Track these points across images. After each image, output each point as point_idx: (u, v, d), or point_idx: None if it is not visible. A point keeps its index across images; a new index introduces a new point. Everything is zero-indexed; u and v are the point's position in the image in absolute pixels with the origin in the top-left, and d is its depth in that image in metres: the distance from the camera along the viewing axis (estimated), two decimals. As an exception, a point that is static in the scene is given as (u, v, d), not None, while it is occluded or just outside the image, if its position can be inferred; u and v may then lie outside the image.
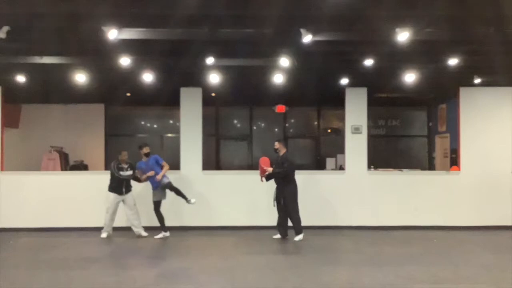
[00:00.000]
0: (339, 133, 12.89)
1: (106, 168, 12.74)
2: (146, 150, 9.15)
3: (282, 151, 8.91)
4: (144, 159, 9.19)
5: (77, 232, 9.51)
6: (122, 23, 6.67)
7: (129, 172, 9.07)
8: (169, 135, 13.56)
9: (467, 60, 8.51)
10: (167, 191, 9.08)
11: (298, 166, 13.02)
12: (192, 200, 8.95)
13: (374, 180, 10.14)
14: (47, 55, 8.49)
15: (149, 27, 7.02)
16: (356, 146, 10.17)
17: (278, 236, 8.86)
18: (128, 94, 11.92)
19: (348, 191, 9.96)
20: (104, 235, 9.04)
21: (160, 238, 8.94)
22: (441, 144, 12.75)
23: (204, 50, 8.00)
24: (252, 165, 13.47)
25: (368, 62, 8.56)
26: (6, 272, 6.52)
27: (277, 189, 8.81)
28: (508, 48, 7.53)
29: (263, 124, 14.33)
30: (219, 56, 8.29)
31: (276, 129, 14.17)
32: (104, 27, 6.54)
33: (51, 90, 11.01)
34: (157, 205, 9.01)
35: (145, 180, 9.10)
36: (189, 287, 5.98)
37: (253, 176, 10.12)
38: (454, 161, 11.14)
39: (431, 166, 13.35)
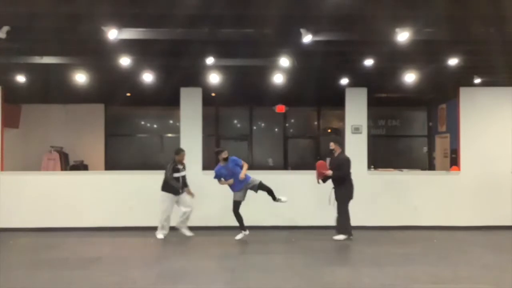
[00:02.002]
0: (339, 133, 12.89)
1: (106, 168, 12.80)
2: (225, 155, 8.73)
3: (338, 151, 8.82)
4: (222, 163, 8.74)
5: (77, 232, 9.51)
6: (122, 23, 6.67)
7: (184, 173, 8.89)
8: (169, 135, 13.56)
9: (467, 60, 8.51)
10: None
11: (298, 166, 13.09)
12: (283, 198, 8.66)
13: (374, 180, 10.14)
14: (47, 55, 8.49)
15: (149, 27, 7.02)
16: (356, 146, 10.17)
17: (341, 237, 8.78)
18: (128, 94, 11.92)
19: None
20: (161, 235, 8.90)
21: (239, 239, 8.67)
22: (441, 144, 12.76)
23: (204, 50, 7.99)
24: (252, 165, 13.48)
25: (368, 62, 8.56)
26: (6, 272, 6.52)
27: (334, 188, 8.76)
28: (508, 48, 7.53)
29: (263, 124, 14.33)
30: (219, 56, 8.29)
31: (276, 129, 14.18)
32: (104, 27, 6.54)
33: (51, 90, 11.01)
34: (236, 205, 8.68)
35: (224, 184, 8.74)
36: (189, 287, 5.98)
37: (253, 176, 10.13)
38: (454, 161, 11.14)
39: (431, 166, 13.35)
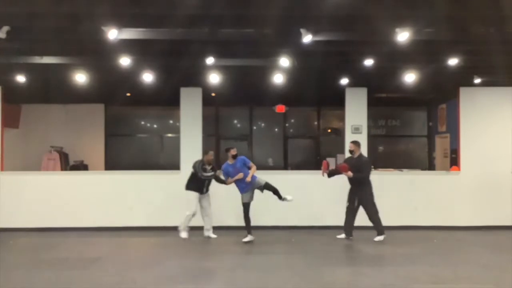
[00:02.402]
0: (339, 133, 12.89)
1: (106, 168, 12.79)
2: (233, 152, 8.72)
3: (357, 152, 8.80)
4: (231, 161, 8.71)
5: (77, 232, 9.51)
6: (122, 23, 6.67)
7: (211, 173, 8.83)
8: (169, 135, 13.56)
9: (467, 60, 8.52)
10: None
11: (298, 166, 13.09)
12: (288, 197, 8.63)
13: (374, 180, 10.11)
14: (47, 55, 8.49)
15: (149, 27, 7.02)
16: (356, 146, 10.16)
17: (342, 235, 8.78)
18: (128, 94, 11.91)
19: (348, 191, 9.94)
20: (185, 234, 8.80)
21: (246, 241, 8.60)
22: (441, 144, 12.76)
23: (204, 50, 8.00)
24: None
25: (368, 62, 8.56)
26: (6, 272, 6.52)
27: (351, 190, 8.76)
28: (508, 48, 7.54)
29: (263, 124, 14.33)
30: (219, 56, 8.30)
31: (276, 129, 14.17)
32: (104, 27, 6.54)
33: (51, 90, 11.00)
34: (246, 207, 8.62)
35: (231, 182, 8.71)
36: (189, 287, 5.98)
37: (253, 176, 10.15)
38: (454, 161, 11.14)
39: (431, 166, 13.35)
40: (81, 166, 12.53)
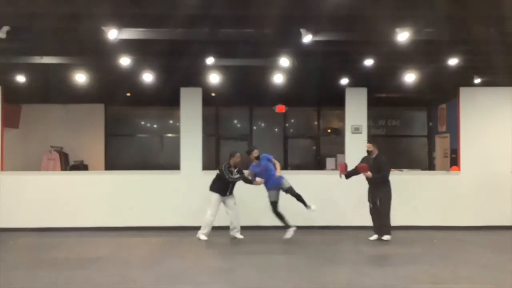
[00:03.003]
0: (339, 133, 12.89)
1: (106, 168, 12.79)
2: (255, 154, 8.73)
3: (375, 152, 8.77)
4: (255, 162, 8.78)
5: (77, 232, 9.51)
6: (122, 23, 6.68)
7: (237, 176, 8.74)
8: (169, 135, 13.56)
9: (467, 60, 8.52)
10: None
11: (298, 166, 13.08)
12: (313, 207, 8.59)
13: (374, 180, 10.13)
14: (47, 55, 8.49)
15: (149, 27, 7.02)
16: (356, 146, 10.16)
17: (375, 237, 8.77)
18: (128, 94, 11.92)
19: (348, 191, 9.94)
20: (204, 237, 8.72)
21: (289, 237, 8.60)
22: (441, 144, 12.75)
23: (204, 50, 8.00)
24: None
25: (368, 62, 8.56)
26: (6, 272, 6.51)
27: (371, 190, 8.76)
28: (508, 48, 7.53)
29: (263, 124, 14.33)
30: (219, 56, 8.30)
31: (276, 129, 14.17)
32: (104, 27, 6.54)
33: (51, 90, 11.00)
34: (274, 205, 8.65)
35: (260, 183, 8.71)
36: (189, 287, 5.98)
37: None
38: (454, 161, 11.14)
39: (431, 166, 13.35)
40: (81, 166, 12.53)
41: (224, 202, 8.80)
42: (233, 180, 8.66)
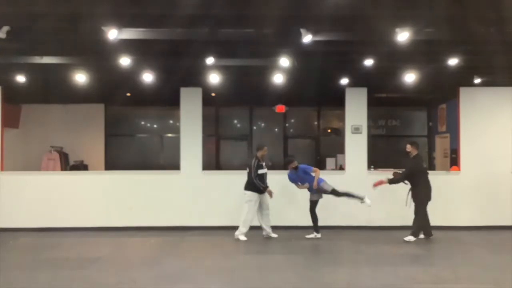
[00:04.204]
0: (339, 133, 12.89)
1: (106, 168, 12.80)
2: (293, 165, 8.79)
3: (414, 153, 8.79)
4: (292, 172, 8.93)
5: (77, 232, 9.50)
6: (122, 23, 6.68)
7: (266, 170, 8.74)
8: (169, 135, 13.57)
9: (467, 60, 8.52)
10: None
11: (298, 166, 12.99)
12: (368, 201, 8.74)
13: (374, 180, 10.10)
14: (47, 55, 8.49)
15: (149, 27, 7.02)
16: (356, 146, 10.17)
17: (421, 236, 8.78)
18: (128, 94, 11.92)
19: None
20: (243, 237, 8.69)
21: (310, 238, 8.77)
22: (441, 144, 12.75)
23: (204, 50, 8.00)
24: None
25: (368, 62, 8.56)
26: (6, 272, 6.51)
27: (411, 190, 8.78)
28: (508, 48, 7.53)
29: (263, 124, 14.33)
30: (219, 56, 8.30)
31: (276, 129, 14.18)
32: (104, 27, 6.54)
33: (51, 90, 11.02)
34: (313, 204, 8.83)
35: (305, 187, 8.83)
36: (189, 287, 5.98)
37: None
38: (454, 161, 11.13)
39: (431, 166, 13.35)
40: (81, 166, 12.54)
41: (260, 200, 8.78)
42: (254, 178, 8.59)
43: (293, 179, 8.95)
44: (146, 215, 9.85)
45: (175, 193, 9.97)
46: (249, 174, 8.68)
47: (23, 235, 9.21)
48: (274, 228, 8.99)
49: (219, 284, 6.12)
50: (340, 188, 8.86)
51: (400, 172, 8.79)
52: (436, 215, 9.97)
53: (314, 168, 8.93)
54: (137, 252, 8.24)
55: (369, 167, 10.40)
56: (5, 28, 6.54)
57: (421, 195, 8.65)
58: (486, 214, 10.03)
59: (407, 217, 9.90)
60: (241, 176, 9.52)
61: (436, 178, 10.45)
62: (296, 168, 8.85)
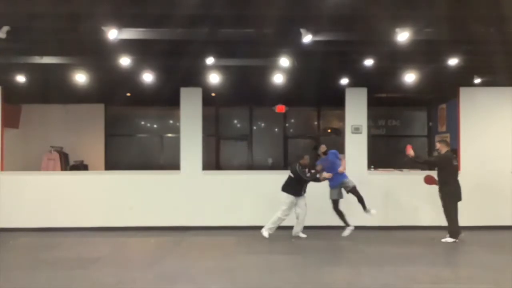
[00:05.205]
0: (339, 133, 12.89)
1: (106, 168, 12.80)
2: (323, 149, 8.96)
3: (443, 150, 8.83)
4: (322, 156, 9.06)
5: (77, 232, 9.50)
6: (122, 23, 6.68)
7: (310, 174, 8.88)
8: (169, 135, 13.56)
9: (467, 60, 8.51)
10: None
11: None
12: (372, 211, 8.83)
13: (374, 180, 10.13)
14: (47, 55, 8.49)
15: (149, 27, 7.02)
16: (356, 146, 10.17)
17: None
18: (128, 94, 11.92)
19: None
20: (266, 234, 8.81)
21: (346, 235, 8.86)
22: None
23: (204, 50, 8.00)
24: (252, 165, 13.48)
25: (368, 62, 8.56)
26: (6, 272, 6.52)
27: (439, 188, 8.82)
28: (508, 48, 7.53)
29: (263, 124, 14.33)
30: (219, 56, 8.30)
31: (276, 129, 14.18)
32: (104, 27, 6.54)
33: (51, 90, 11.01)
34: (335, 203, 8.95)
35: (324, 179, 8.88)
36: (189, 287, 5.98)
37: (253, 176, 10.14)
38: (454, 161, 11.12)
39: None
40: (81, 166, 12.53)
41: (296, 202, 8.84)
42: (308, 180, 8.74)
43: (322, 163, 8.93)
44: (146, 215, 9.85)
45: (175, 193, 9.97)
46: (291, 178, 8.80)
47: (23, 235, 9.21)
48: (276, 228, 8.99)
49: (219, 284, 6.12)
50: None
51: (428, 157, 8.80)
52: (436, 215, 9.97)
53: (341, 156, 9.11)
54: (137, 252, 8.25)
55: (369, 167, 10.40)
56: (5, 28, 6.55)
57: (450, 193, 8.63)
58: (486, 214, 10.03)
59: (407, 217, 9.93)
60: (241, 176, 9.57)
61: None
62: (325, 153, 8.94)
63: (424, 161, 9.12)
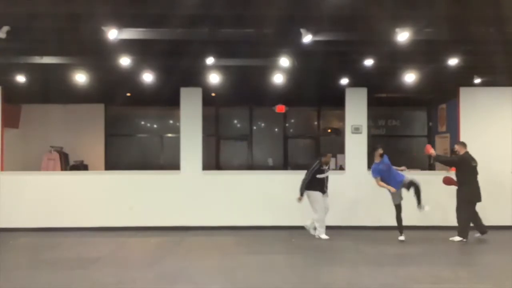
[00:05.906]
0: (339, 133, 12.89)
1: (106, 168, 12.80)
2: (380, 151, 8.85)
3: (461, 151, 8.87)
4: (377, 159, 8.87)
5: (77, 232, 9.50)
6: (122, 23, 6.67)
7: (326, 174, 8.94)
8: (169, 135, 13.57)
9: (467, 60, 8.52)
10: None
11: (298, 166, 13.04)
12: (426, 208, 8.76)
13: (374, 180, 10.12)
14: (47, 55, 8.49)
15: (149, 27, 7.02)
16: (356, 146, 10.17)
17: (478, 234, 8.89)
18: (128, 94, 11.92)
19: (348, 191, 9.95)
20: (325, 235, 8.83)
21: (402, 240, 8.77)
22: (441, 144, 12.74)
23: (204, 50, 8.00)
24: (252, 165, 13.48)
25: (368, 62, 8.56)
26: (6, 272, 6.52)
27: (457, 188, 8.88)
28: (508, 48, 7.53)
29: (263, 124, 14.33)
30: (219, 56, 8.30)
31: (276, 129, 14.18)
32: (104, 27, 6.54)
33: (51, 90, 11.01)
34: (398, 209, 8.80)
35: (383, 186, 8.78)
36: (189, 287, 5.98)
37: (253, 176, 10.13)
38: (454, 161, 11.11)
39: (431, 166, 13.34)
40: (81, 166, 12.54)
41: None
42: (319, 178, 8.76)
43: (379, 169, 8.74)
44: (146, 215, 9.85)
45: (175, 193, 9.98)
46: (310, 177, 8.81)
47: (23, 235, 9.22)
48: (275, 228, 9.00)
49: (219, 284, 6.12)
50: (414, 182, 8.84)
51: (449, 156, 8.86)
52: (436, 215, 9.99)
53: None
54: (137, 252, 8.24)
55: (369, 167, 10.39)
56: (5, 28, 6.54)
57: (466, 194, 8.67)
58: (486, 214, 10.00)
59: (408, 217, 9.90)
60: (241, 176, 9.57)
61: (436, 178, 10.45)
62: (382, 155, 8.83)
63: (446, 160, 9.27)
